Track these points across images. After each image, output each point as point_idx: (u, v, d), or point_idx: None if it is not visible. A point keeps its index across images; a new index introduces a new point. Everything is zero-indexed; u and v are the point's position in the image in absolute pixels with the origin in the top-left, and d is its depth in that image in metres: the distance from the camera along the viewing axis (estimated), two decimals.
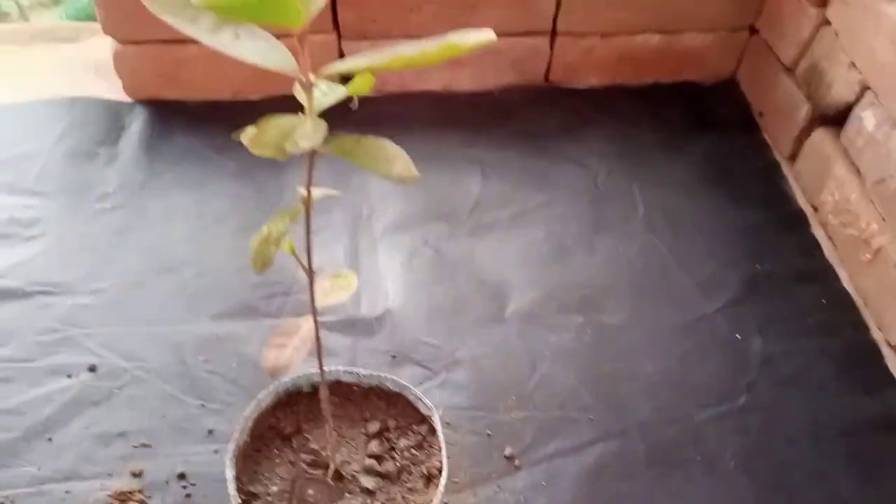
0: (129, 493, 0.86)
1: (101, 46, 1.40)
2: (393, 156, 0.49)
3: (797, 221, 1.23)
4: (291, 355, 0.54)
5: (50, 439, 0.91)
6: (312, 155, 0.51)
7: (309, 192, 0.51)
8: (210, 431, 0.92)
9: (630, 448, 0.94)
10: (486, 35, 0.43)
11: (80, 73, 1.39)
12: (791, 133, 1.30)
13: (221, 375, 0.98)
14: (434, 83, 1.39)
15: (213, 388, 0.96)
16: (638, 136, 1.35)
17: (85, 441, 0.91)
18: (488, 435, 0.93)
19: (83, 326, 1.02)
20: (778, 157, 1.34)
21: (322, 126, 0.45)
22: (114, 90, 1.35)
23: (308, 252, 0.56)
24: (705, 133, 1.37)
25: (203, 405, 0.95)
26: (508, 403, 0.97)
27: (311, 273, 0.57)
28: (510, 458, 0.92)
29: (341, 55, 1.34)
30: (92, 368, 0.97)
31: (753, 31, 1.41)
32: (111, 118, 1.31)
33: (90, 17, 1.61)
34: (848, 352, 1.05)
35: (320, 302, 0.59)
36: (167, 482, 0.88)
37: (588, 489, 0.90)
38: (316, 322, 0.58)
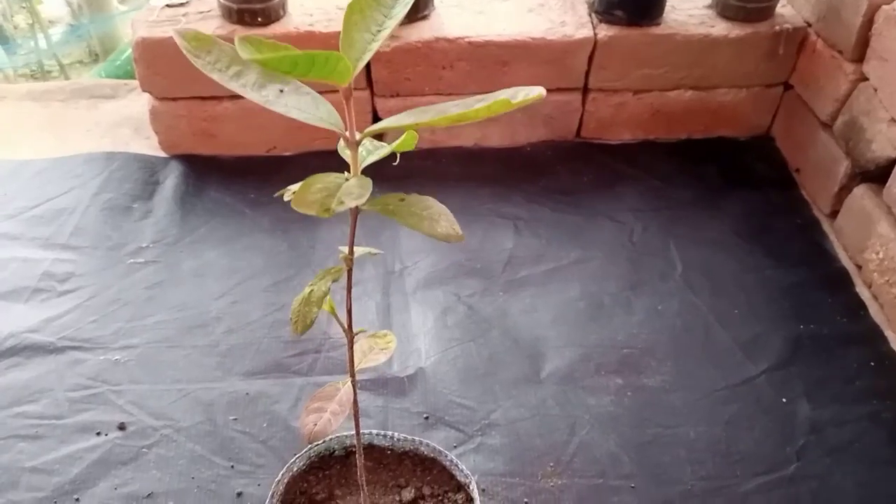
0: None
1: (138, 103, 1.43)
2: (437, 214, 0.48)
3: (840, 280, 1.20)
4: (329, 421, 0.52)
5: (77, 500, 0.88)
6: (355, 213, 0.49)
7: (351, 251, 0.50)
8: (239, 494, 0.90)
9: None
10: (537, 91, 0.42)
11: (118, 129, 1.42)
12: (830, 189, 1.28)
13: (251, 436, 0.96)
14: (466, 139, 1.39)
15: (242, 449, 0.94)
16: (672, 192, 1.34)
17: (113, 502, 0.88)
18: (526, 503, 0.90)
19: (114, 383, 1.01)
20: (817, 213, 1.31)
21: (368, 184, 0.44)
22: (150, 146, 1.37)
23: (348, 312, 0.55)
24: (741, 189, 1.35)
25: (232, 466, 0.92)
26: (546, 470, 0.93)
27: (350, 334, 0.55)
28: None
29: (374, 112, 1.35)
30: (121, 427, 0.96)
31: (788, 87, 1.40)
32: (146, 173, 1.32)
33: (127, 75, 1.65)
34: None
35: (358, 364, 0.57)
36: None
37: None
38: (354, 386, 0.56)
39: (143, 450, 0.94)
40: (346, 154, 0.47)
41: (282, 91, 0.42)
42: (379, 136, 0.50)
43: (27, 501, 0.88)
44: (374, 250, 0.52)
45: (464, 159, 1.38)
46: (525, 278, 1.18)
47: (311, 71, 0.38)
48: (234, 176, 1.32)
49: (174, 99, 1.29)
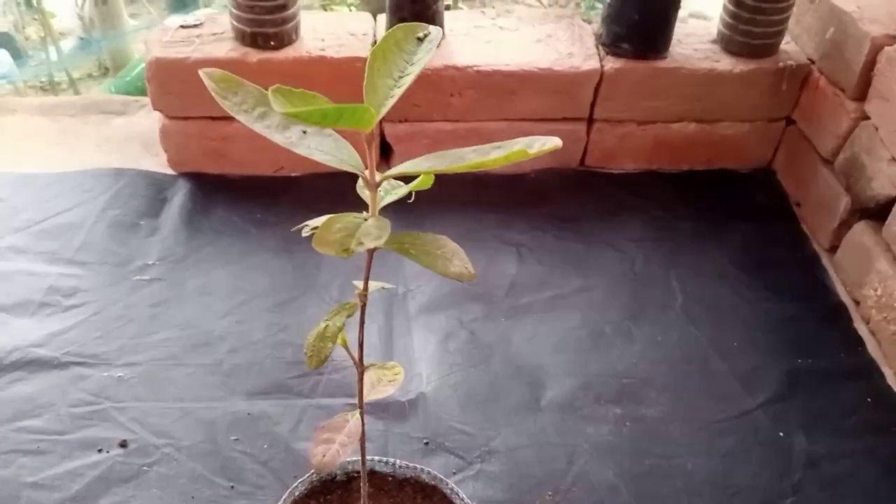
0: None
1: (148, 120, 1.45)
2: (451, 253, 0.50)
3: (838, 315, 1.21)
4: (338, 452, 0.53)
5: None
6: (371, 252, 0.51)
7: (366, 287, 0.51)
8: None
9: None
10: (553, 142, 0.44)
11: (127, 145, 1.43)
12: (830, 225, 1.29)
13: (252, 456, 0.96)
14: None
15: (243, 470, 0.95)
16: (674, 223, 1.35)
17: None
18: None
19: (117, 400, 1.01)
20: (817, 248, 1.33)
21: (386, 225, 0.45)
22: (158, 163, 1.38)
23: (359, 346, 0.56)
24: (742, 222, 1.36)
25: (233, 487, 0.93)
26: (545, 499, 0.94)
27: (361, 367, 0.56)
28: None
29: (382, 136, 1.36)
30: (123, 444, 0.96)
31: (790, 122, 1.42)
32: (154, 190, 1.33)
33: (138, 91, 1.66)
34: None
35: (367, 396, 0.58)
36: None
37: None
38: (363, 418, 0.57)
39: (144, 468, 0.94)
40: (364, 194, 0.48)
41: (305, 133, 0.43)
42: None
43: None
44: (386, 285, 0.53)
45: (469, 185, 1.39)
46: (527, 305, 1.19)
47: (340, 121, 0.39)
48: (241, 195, 1.34)
49: (185, 118, 1.31)
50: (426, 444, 0.98)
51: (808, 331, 1.18)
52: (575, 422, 1.02)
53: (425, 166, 0.44)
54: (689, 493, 0.95)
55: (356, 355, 0.56)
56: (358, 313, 0.52)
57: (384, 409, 1.02)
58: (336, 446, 0.53)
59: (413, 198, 0.51)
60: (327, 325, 0.49)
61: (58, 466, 0.94)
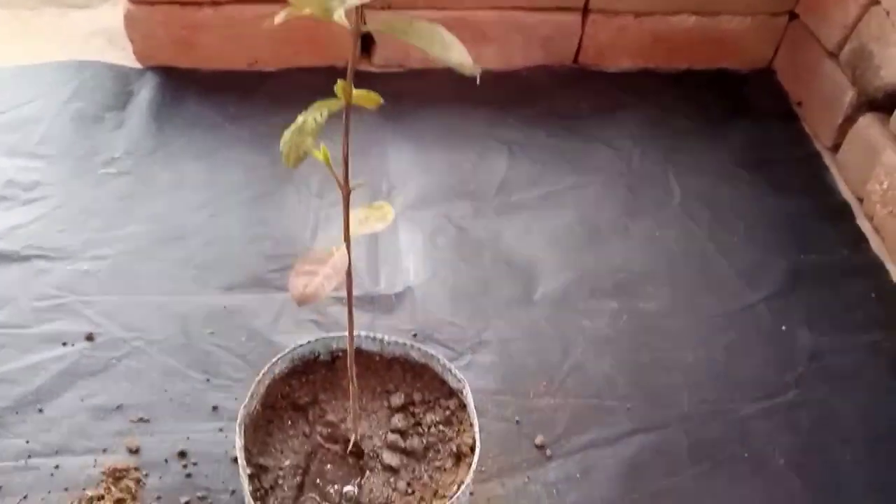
0: (125, 470, 0.78)
1: (112, 14, 1.35)
2: (449, 42, 0.43)
3: (841, 213, 1.17)
4: (321, 284, 0.47)
5: (41, 410, 0.83)
6: (358, 29, 0.44)
7: (351, 77, 0.43)
8: (214, 408, 0.85)
9: (671, 442, 0.86)
10: None
11: (90, 38, 1.33)
12: (834, 122, 1.24)
13: (228, 350, 0.90)
14: None
15: (219, 363, 0.89)
16: (671, 122, 1.29)
17: (79, 414, 0.83)
18: (517, 422, 0.86)
19: (82, 294, 0.95)
20: (819, 147, 1.27)
21: None
22: (124, 57, 1.29)
23: (344, 161, 0.49)
24: (741, 121, 1.30)
25: (208, 380, 0.87)
26: (539, 389, 0.89)
27: (346, 188, 0.49)
28: (541, 448, 0.84)
29: (364, 23, 1.27)
30: (89, 338, 0.90)
31: (793, 17, 1.35)
32: (120, 83, 1.24)
33: None
34: None
35: (355, 230, 0.52)
36: (166, 460, 0.80)
37: (626, 484, 0.82)
38: (349, 249, 0.50)
39: (113, 361, 0.88)
40: None
41: None
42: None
43: None
44: (374, 95, 0.46)
45: (457, 81, 1.27)
46: (519, 202, 1.13)
47: None
48: (213, 90, 1.25)
49: (151, 3, 1.21)
50: (415, 336, 0.93)
51: (811, 228, 1.13)
52: (570, 315, 0.98)
53: None
54: (690, 386, 0.91)
55: (343, 177, 0.49)
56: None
57: (371, 301, 0.96)
58: (320, 278, 0.47)
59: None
60: (306, 120, 0.42)
61: (20, 360, 0.88)
